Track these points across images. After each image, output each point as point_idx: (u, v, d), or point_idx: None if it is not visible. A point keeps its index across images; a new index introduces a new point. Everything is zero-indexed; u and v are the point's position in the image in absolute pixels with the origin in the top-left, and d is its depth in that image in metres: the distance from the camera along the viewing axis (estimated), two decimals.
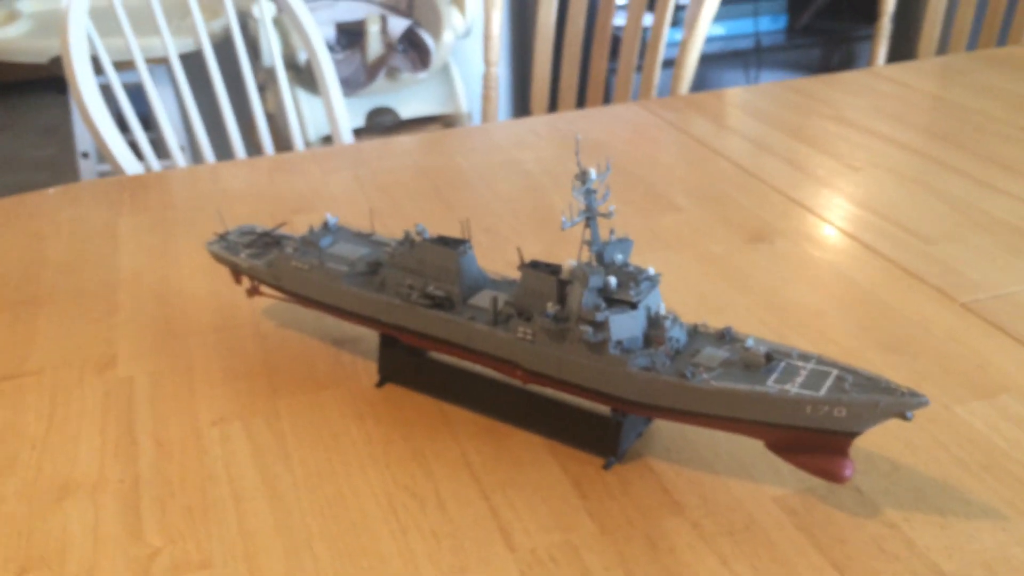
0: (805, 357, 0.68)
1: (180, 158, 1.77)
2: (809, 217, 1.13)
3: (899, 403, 0.63)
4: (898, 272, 1.01)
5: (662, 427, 0.77)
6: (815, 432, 0.65)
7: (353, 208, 1.19)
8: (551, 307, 0.71)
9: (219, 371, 0.87)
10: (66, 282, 1.03)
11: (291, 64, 2.45)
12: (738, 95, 1.65)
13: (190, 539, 0.68)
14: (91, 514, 0.70)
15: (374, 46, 2.52)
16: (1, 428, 0.80)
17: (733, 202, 1.18)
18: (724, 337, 0.71)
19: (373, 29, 2.51)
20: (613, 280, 0.69)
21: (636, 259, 1.03)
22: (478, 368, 0.79)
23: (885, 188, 1.21)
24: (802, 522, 0.68)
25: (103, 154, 1.60)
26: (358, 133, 2.61)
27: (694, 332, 0.73)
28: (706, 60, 3.42)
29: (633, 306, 0.69)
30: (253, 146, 1.94)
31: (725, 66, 3.36)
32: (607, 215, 0.71)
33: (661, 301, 0.72)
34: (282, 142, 2.46)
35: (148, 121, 2.42)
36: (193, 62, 1.86)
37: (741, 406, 0.66)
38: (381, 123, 2.63)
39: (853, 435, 0.65)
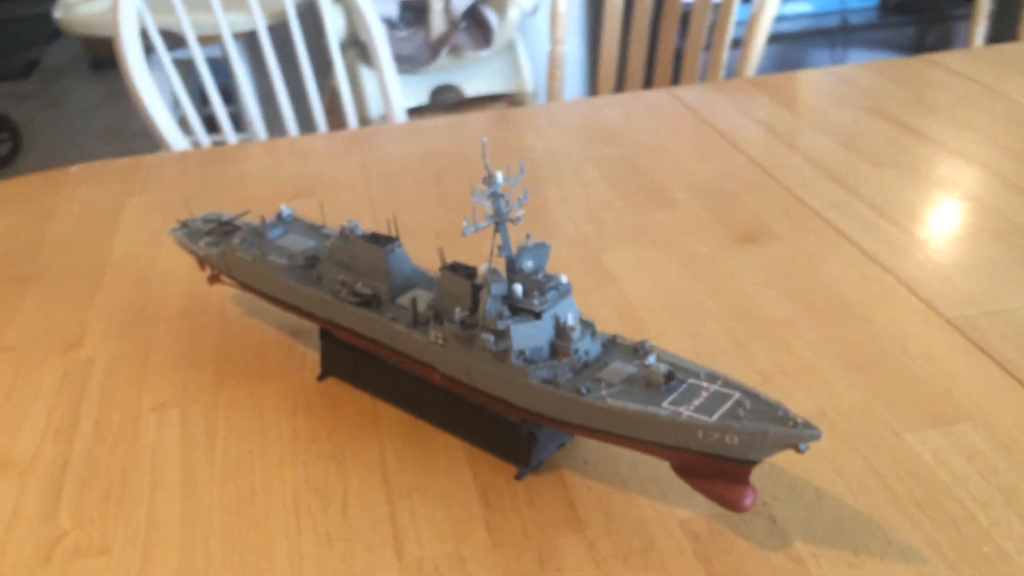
0: (712, 378, 0.65)
1: (262, 130, 1.81)
2: (811, 218, 1.08)
3: (790, 434, 0.59)
4: (890, 281, 0.95)
5: (585, 439, 0.75)
6: (713, 457, 0.63)
7: (351, 194, 1.20)
8: (459, 312, 0.70)
9: (175, 357, 0.89)
10: (60, 261, 1.07)
11: (355, 41, 2.47)
12: (796, 79, 1.57)
13: (98, 525, 0.70)
14: (15, 493, 0.73)
15: (437, 23, 2.52)
16: None
17: (734, 199, 1.13)
18: (638, 351, 0.69)
19: (436, 6, 2.50)
20: (519, 288, 0.67)
21: (615, 254, 1.01)
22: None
23: (905, 189, 1.14)
24: (703, 549, 0.65)
25: (150, 129, 1.66)
26: (422, 110, 2.62)
27: (611, 344, 0.70)
28: (790, 39, 3.29)
29: (537, 316, 0.67)
30: (306, 122, 1.97)
31: (811, 45, 3.22)
32: (514, 221, 0.69)
33: (574, 310, 0.69)
34: (344, 118, 2.49)
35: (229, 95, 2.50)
36: (268, 38, 1.89)
37: (635, 426, 0.64)
38: (445, 100, 2.63)
39: (750, 463, 0.62)
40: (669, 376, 0.64)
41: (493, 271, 0.67)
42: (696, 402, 0.63)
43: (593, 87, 3.40)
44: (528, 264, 0.69)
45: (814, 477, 0.70)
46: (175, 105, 2.54)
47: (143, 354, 0.89)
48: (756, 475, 0.68)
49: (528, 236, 0.71)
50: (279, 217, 0.88)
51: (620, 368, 0.67)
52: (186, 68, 2.02)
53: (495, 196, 0.68)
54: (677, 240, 1.05)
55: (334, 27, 1.86)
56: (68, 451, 0.77)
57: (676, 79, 2.44)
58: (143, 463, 0.76)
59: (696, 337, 0.88)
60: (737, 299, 0.93)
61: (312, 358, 0.87)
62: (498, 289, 0.67)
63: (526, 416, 0.69)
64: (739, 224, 1.07)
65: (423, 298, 0.75)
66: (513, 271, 0.69)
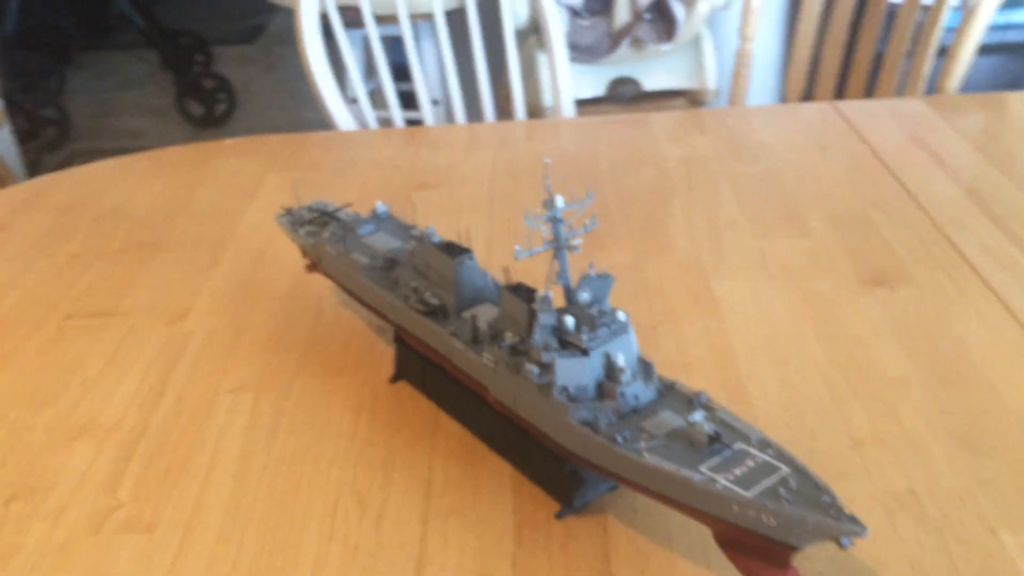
0: (763, 445, 0.59)
1: (429, 113, 1.84)
2: (956, 263, 0.97)
3: (829, 526, 0.53)
4: None
5: None
6: (751, 534, 0.57)
7: (472, 190, 1.19)
8: (510, 337, 0.67)
9: (265, 339, 0.91)
10: (191, 231, 1.13)
11: (537, 28, 2.46)
12: (995, 101, 1.43)
13: (151, 501, 0.72)
14: (89, 458, 0.77)
15: (621, 13, 2.46)
16: (67, 361, 0.89)
17: (874, 233, 1.03)
18: (692, 402, 0.63)
19: None
20: (570, 320, 0.64)
21: (726, 282, 0.95)
22: None
23: None
24: None
25: (318, 104, 1.71)
26: (598, 102, 2.58)
27: (668, 390, 0.65)
28: (1012, 51, 2.98)
29: (584, 352, 0.63)
30: (500, 106, 1.97)
31: None
32: (572, 249, 0.65)
33: (630, 350, 0.65)
34: (529, 103, 2.49)
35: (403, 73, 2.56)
36: (455, 19, 1.90)
37: (668, 486, 0.59)
38: (622, 94, 2.57)
39: (791, 548, 0.56)
40: (714, 438, 0.59)
41: (543, 299, 0.64)
42: (737, 471, 0.57)
43: (781, 89, 3.24)
44: (584, 296, 0.65)
45: (883, 567, 0.63)
46: (366, 79, 2.63)
47: (237, 332, 0.92)
48: (816, 552, 0.62)
49: (592, 265, 0.67)
50: (374, 214, 0.88)
51: (668, 419, 0.62)
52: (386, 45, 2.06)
53: (554, 221, 0.64)
54: (799, 274, 0.97)
55: (511, 11, 1.85)
56: (146, 422, 0.81)
57: (871, 88, 2.28)
58: (207, 444, 0.78)
59: (791, 387, 0.81)
60: (849, 348, 0.85)
61: (390, 358, 0.86)
62: (547, 319, 0.64)
63: (564, 455, 0.66)
64: (872, 263, 0.98)
65: (486, 315, 0.72)
66: (569, 301, 0.65)
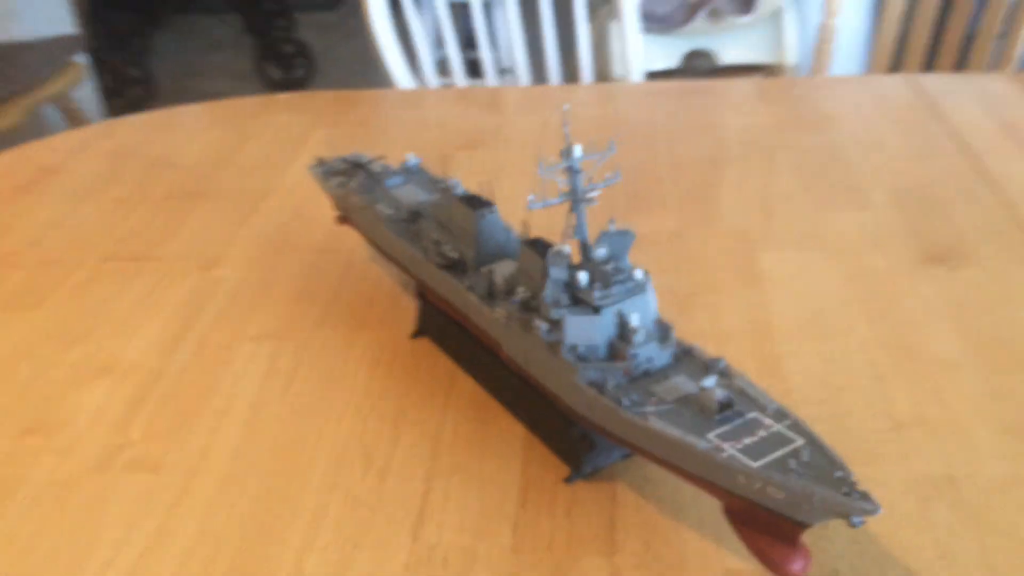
0: (779, 416, 0.55)
1: (496, 83, 1.80)
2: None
3: (839, 503, 0.49)
4: None
5: None
6: (759, 507, 0.53)
7: (516, 153, 1.15)
8: (521, 292, 0.64)
9: (293, 290, 0.90)
10: (235, 182, 1.12)
11: None
12: None
13: (160, 442, 0.72)
14: (106, 397, 0.77)
15: None
16: (99, 301, 0.90)
17: (940, 210, 0.97)
18: (709, 368, 0.60)
19: None
20: (583, 276, 0.60)
21: (774, 255, 0.91)
22: None
23: None
24: None
25: (380, 64, 1.70)
26: (671, 75, 2.51)
27: (684, 354, 0.61)
28: None
29: (596, 310, 0.60)
30: (570, 73, 1.93)
31: None
32: (590, 202, 0.62)
33: (646, 309, 0.61)
34: (598, 73, 2.44)
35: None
36: None
37: (673, 453, 0.55)
38: (697, 67, 2.50)
39: (800, 525, 0.52)
40: (726, 405, 0.55)
41: (556, 254, 0.61)
42: (748, 440, 0.53)
43: (867, 67, 3.10)
44: (601, 252, 0.61)
45: (909, 553, 0.59)
46: (437, 45, 2.62)
47: (267, 282, 0.91)
48: (834, 534, 0.58)
49: (612, 221, 0.63)
50: (404, 166, 0.86)
51: (681, 384, 0.58)
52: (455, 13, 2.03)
53: (571, 171, 0.61)
54: (855, 249, 0.91)
55: None
56: (165, 365, 0.80)
57: (961, 68, 2.16)
58: (222, 390, 0.77)
59: (830, 363, 0.76)
60: (899, 328, 0.80)
61: (413, 314, 0.84)
62: (558, 274, 0.60)
63: (573, 416, 0.63)
64: (935, 240, 0.92)
65: (503, 270, 0.70)
66: (585, 257, 0.62)
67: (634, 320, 0.60)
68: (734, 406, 0.55)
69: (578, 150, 0.61)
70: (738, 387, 0.58)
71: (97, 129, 1.29)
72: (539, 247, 0.65)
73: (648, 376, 0.60)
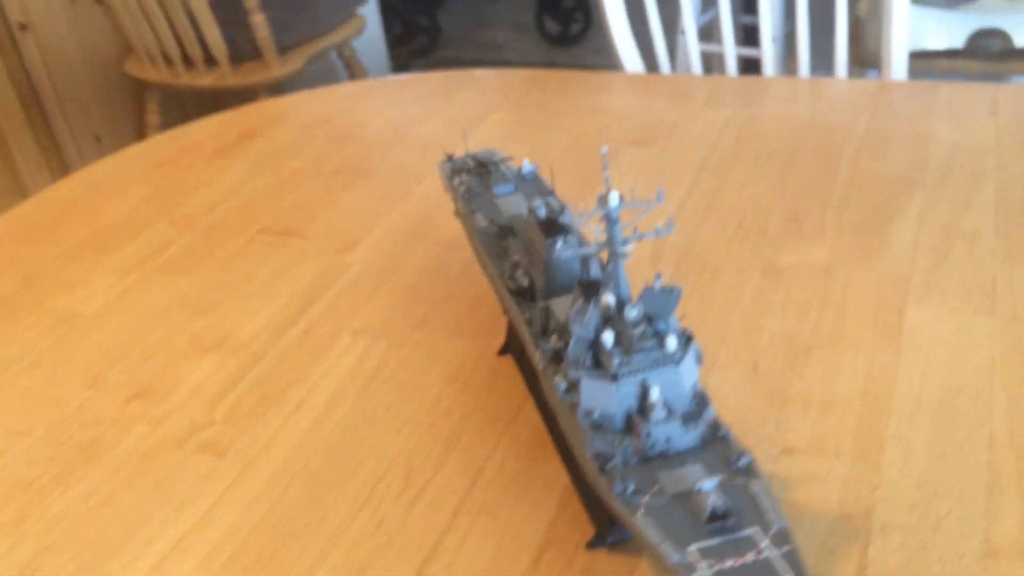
0: (781, 539, 0.48)
1: (769, 50, 1.70)
2: None
3: None
4: None
5: None
6: None
7: (685, 154, 1.08)
8: (555, 340, 0.60)
9: (409, 284, 0.90)
10: (400, 161, 1.14)
11: None
12: None
13: (236, 427, 0.75)
14: (211, 373, 0.82)
15: None
16: (239, 274, 0.95)
17: None
18: (729, 464, 0.53)
19: None
20: (609, 337, 0.55)
21: (927, 310, 0.79)
22: None
23: None
24: None
25: (608, 41, 1.65)
26: (954, 56, 2.23)
27: (713, 438, 0.55)
28: None
29: (612, 377, 0.54)
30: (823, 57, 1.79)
31: None
32: (623, 256, 0.56)
33: (683, 382, 0.55)
34: (866, 52, 2.23)
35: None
36: None
37: (650, 556, 0.50)
38: (985, 48, 2.20)
39: None
40: (719, 515, 0.48)
41: (580, 309, 0.56)
42: (730, 563, 0.47)
43: None
44: (632, 313, 0.56)
45: None
46: (703, 10, 2.51)
47: (389, 272, 0.92)
48: None
49: (657, 276, 0.57)
50: (518, 172, 0.83)
51: (690, 476, 0.52)
52: None
53: (608, 221, 0.55)
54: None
55: None
56: (269, 348, 0.84)
57: None
58: (307, 382, 0.79)
59: (943, 457, 0.65)
60: None
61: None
62: (582, 331, 0.56)
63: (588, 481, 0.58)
64: None
65: (564, 306, 0.65)
66: (617, 316, 0.56)
67: (654, 395, 0.54)
68: (730, 517, 0.49)
69: (615, 198, 0.55)
70: (751, 493, 0.51)
71: (299, 98, 1.36)
72: (587, 289, 0.60)
73: (664, 458, 0.54)
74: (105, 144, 2.95)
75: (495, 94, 1.29)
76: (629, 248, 0.56)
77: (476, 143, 1.16)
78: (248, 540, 0.65)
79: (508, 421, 0.72)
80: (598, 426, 0.56)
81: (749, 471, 0.52)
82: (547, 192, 0.81)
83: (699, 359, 0.58)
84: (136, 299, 0.93)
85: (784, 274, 0.86)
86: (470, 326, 0.84)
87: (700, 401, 0.56)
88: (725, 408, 0.70)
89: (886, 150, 1.04)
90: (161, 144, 1.28)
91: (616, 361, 0.54)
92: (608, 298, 0.57)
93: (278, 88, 2.82)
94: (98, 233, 1.05)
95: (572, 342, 0.56)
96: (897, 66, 1.59)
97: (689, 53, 1.71)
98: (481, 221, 0.78)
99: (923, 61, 2.23)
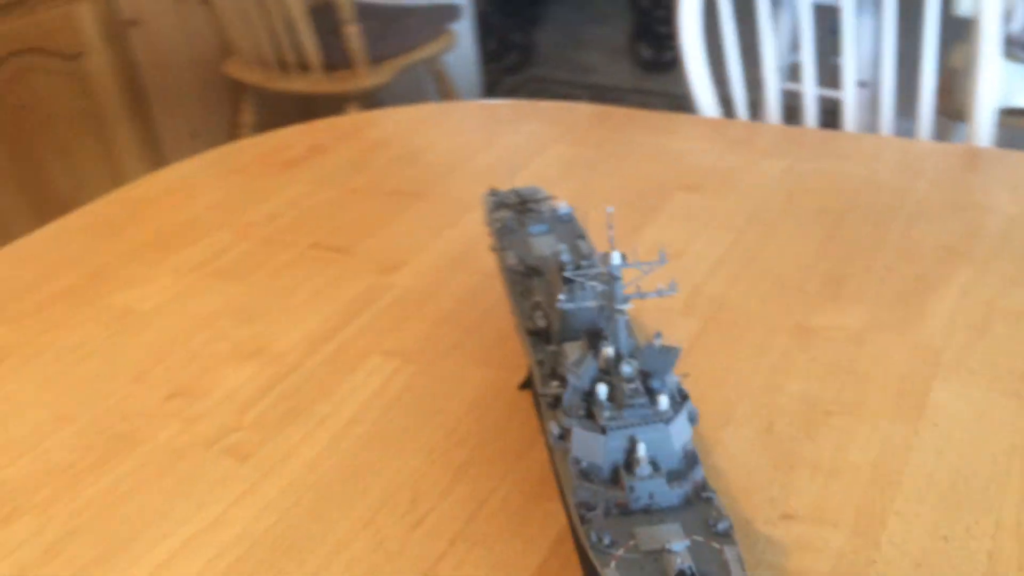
0: None
1: (851, 94, 1.68)
2: None
3: None
4: None
5: None
6: None
7: (732, 202, 1.08)
8: (556, 386, 0.61)
9: (445, 310, 0.93)
10: (455, 187, 1.17)
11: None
12: None
13: (261, 434, 0.79)
14: (248, 379, 0.86)
15: None
16: (287, 285, 0.99)
17: None
18: (710, 525, 0.53)
19: None
20: (603, 390, 0.57)
21: (953, 388, 0.78)
22: None
23: None
24: None
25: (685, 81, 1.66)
26: None
27: (696, 499, 0.55)
28: None
29: (602, 430, 0.56)
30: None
31: None
32: (621, 312, 0.57)
33: (672, 441, 0.56)
34: (956, 105, 2.18)
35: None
36: None
37: None
38: None
39: None
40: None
41: (578, 360, 0.58)
42: None
43: None
44: (627, 369, 0.57)
45: None
46: (789, 51, 2.48)
47: (427, 297, 0.95)
48: None
49: (657, 335, 0.58)
50: (554, 212, 0.85)
51: (665, 534, 0.53)
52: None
53: (611, 279, 0.57)
54: None
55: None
56: (304, 360, 0.87)
57: None
58: (333, 399, 0.82)
59: (943, 541, 0.64)
60: None
61: None
62: (577, 382, 0.57)
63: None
64: None
65: (573, 351, 0.67)
66: (613, 370, 0.58)
67: (641, 450, 0.55)
68: None
69: (617, 257, 0.57)
70: (724, 559, 0.51)
71: (372, 116, 1.40)
72: (591, 338, 0.62)
73: (646, 513, 0.55)
74: (199, 141, 3.07)
75: (559, 127, 1.32)
76: (628, 307, 0.57)
77: (531, 176, 1.18)
78: (254, 547, 0.68)
79: (518, 456, 0.74)
80: (586, 474, 0.57)
81: (726, 536, 0.53)
82: (579, 235, 0.83)
83: (693, 419, 0.59)
84: (188, 301, 0.98)
85: (814, 336, 0.85)
86: (496, 357, 0.86)
87: (690, 460, 0.57)
88: (733, 466, 0.71)
89: (941, 217, 1.02)
90: (239, 151, 1.33)
91: (606, 415, 0.56)
92: (609, 351, 0.59)
93: (367, 97, 2.90)
94: (163, 234, 1.11)
95: (568, 391, 0.58)
96: (984, 123, 1.56)
97: (769, 91, 1.71)
98: (511, 259, 0.80)
99: (1015, 118, 2.17)
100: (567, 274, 0.60)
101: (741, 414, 0.77)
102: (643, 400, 0.56)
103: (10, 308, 1.00)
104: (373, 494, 0.72)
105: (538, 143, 1.27)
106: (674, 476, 0.56)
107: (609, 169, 1.18)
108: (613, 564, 0.52)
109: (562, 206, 0.85)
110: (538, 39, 4.87)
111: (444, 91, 3.24)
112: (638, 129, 1.30)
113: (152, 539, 0.69)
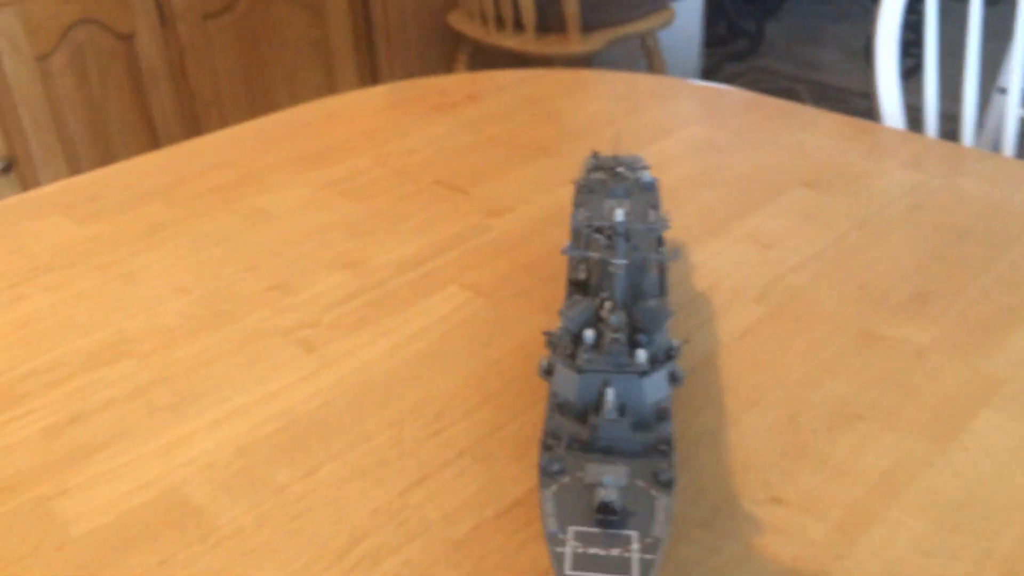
0: (650, 548, 0.51)
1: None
2: None
3: None
4: None
5: None
6: None
7: (847, 204, 1.06)
8: (557, 329, 0.66)
9: (531, 259, 0.98)
10: (580, 150, 1.21)
11: None
12: None
13: (331, 333, 0.88)
14: (335, 286, 0.95)
15: None
16: (396, 216, 1.08)
17: None
18: (656, 477, 0.56)
19: None
20: (589, 335, 0.60)
21: (998, 421, 0.76)
22: None
23: None
24: None
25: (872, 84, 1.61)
26: None
27: (657, 451, 0.58)
28: None
29: (578, 369, 0.60)
30: None
31: None
32: (617, 267, 0.60)
33: (645, 393, 0.59)
34: None
35: None
36: None
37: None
38: None
39: None
40: (605, 507, 0.53)
41: (573, 303, 0.62)
42: (595, 551, 0.51)
43: None
44: (615, 318, 0.60)
45: None
46: None
47: (520, 243, 1.01)
48: None
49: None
50: (636, 179, 0.88)
51: (607, 474, 0.57)
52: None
53: (615, 233, 0.60)
54: None
55: None
56: (391, 279, 0.96)
57: None
58: (403, 315, 0.90)
59: (927, 556, 0.64)
60: None
61: None
62: (567, 323, 0.61)
63: None
64: None
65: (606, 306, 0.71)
66: (602, 316, 0.61)
67: (609, 396, 0.59)
68: (618, 515, 0.53)
69: (621, 215, 0.60)
70: (654, 505, 0.54)
71: (532, 74, 1.46)
72: (596, 288, 0.66)
73: (605, 454, 0.59)
74: None
75: (705, 108, 1.33)
76: (621, 263, 0.61)
77: (658, 151, 1.21)
78: (292, 423, 0.77)
79: (544, 397, 0.79)
80: (561, 408, 0.61)
81: (666, 486, 0.56)
82: (653, 205, 0.86)
83: (677, 379, 0.62)
84: (312, 212, 1.08)
85: (877, 344, 0.84)
86: (557, 307, 0.90)
87: (660, 415, 0.60)
88: (741, 445, 0.73)
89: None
90: (404, 89, 1.44)
91: (585, 357, 0.60)
92: (597, 296, 0.63)
93: (575, 63, 2.96)
94: (312, 152, 1.23)
95: (560, 331, 0.62)
96: None
97: (1006, 115, 1.62)
98: (580, 215, 0.84)
99: None
100: (572, 225, 0.63)
101: (770, 401, 0.78)
102: (622, 350, 0.60)
103: (173, 191, 1.14)
104: (407, 401, 0.79)
105: (678, 121, 1.29)
106: (639, 426, 0.59)
107: (736, 155, 1.19)
108: (553, 488, 0.56)
109: (646, 176, 0.88)
110: (770, 29, 4.74)
111: (655, 67, 3.24)
112: (783, 122, 1.29)
113: (215, 399, 0.80)
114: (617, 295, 0.62)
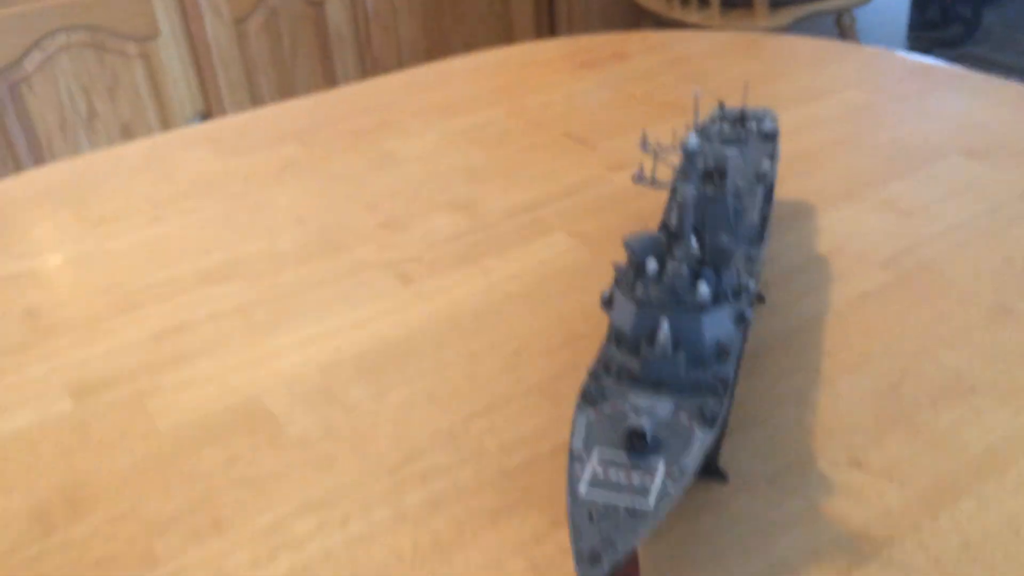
0: (678, 475, 0.48)
1: None
2: None
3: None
4: None
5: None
6: None
7: (993, 174, 0.95)
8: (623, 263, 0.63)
9: (644, 212, 0.95)
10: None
11: None
12: None
13: (430, 268, 0.88)
14: (443, 226, 0.95)
15: None
16: (519, 164, 1.07)
17: None
18: (702, 413, 0.52)
19: None
20: (652, 265, 0.57)
21: None
22: None
23: None
24: None
25: None
26: None
27: (710, 391, 0.54)
28: None
29: (636, 302, 0.57)
30: None
31: None
32: (688, 194, 0.56)
33: (702, 332, 0.55)
34: None
35: None
36: None
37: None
38: None
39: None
40: (636, 433, 0.50)
41: (637, 234, 0.58)
42: (614, 474, 0.49)
43: None
44: (679, 252, 0.57)
45: None
46: None
47: (632, 196, 0.98)
48: None
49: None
50: (761, 130, 0.83)
51: (651, 407, 0.53)
52: None
53: (687, 154, 0.57)
54: None
55: None
56: (499, 223, 0.95)
57: None
58: (504, 256, 0.89)
59: (1018, 534, 0.57)
60: None
61: None
62: (638, 246, 0.58)
63: None
64: None
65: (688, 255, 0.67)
66: (673, 248, 0.58)
67: (664, 329, 0.55)
68: (648, 443, 0.50)
69: (693, 140, 0.56)
70: (690, 441, 0.51)
71: (685, 35, 1.41)
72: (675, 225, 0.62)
73: (654, 387, 0.56)
74: None
75: (869, 72, 1.24)
76: (690, 189, 0.57)
77: (805, 114, 1.14)
78: (371, 349, 0.78)
79: None
80: (617, 338, 0.59)
81: (709, 422, 0.52)
82: (769, 155, 0.81)
83: (744, 321, 0.58)
84: (438, 157, 1.09)
85: (1009, 319, 0.76)
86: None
87: (720, 353, 0.56)
88: (831, 406, 0.68)
89: None
90: (554, 47, 1.43)
91: (642, 288, 0.57)
92: (662, 227, 0.59)
93: None
94: (452, 101, 1.24)
95: (625, 261, 0.59)
96: None
97: None
98: (672, 174, 0.81)
99: None
100: (642, 147, 0.60)
101: (873, 367, 0.72)
102: (684, 283, 0.56)
103: (313, 133, 1.19)
104: (489, 336, 0.78)
105: (836, 84, 1.21)
106: (695, 362, 0.56)
107: (892, 120, 1.10)
108: (589, 411, 0.54)
109: (768, 123, 0.83)
110: (988, 16, 4.39)
111: None
112: (952, 89, 1.18)
113: (309, 320, 0.82)
114: (685, 225, 0.58)
